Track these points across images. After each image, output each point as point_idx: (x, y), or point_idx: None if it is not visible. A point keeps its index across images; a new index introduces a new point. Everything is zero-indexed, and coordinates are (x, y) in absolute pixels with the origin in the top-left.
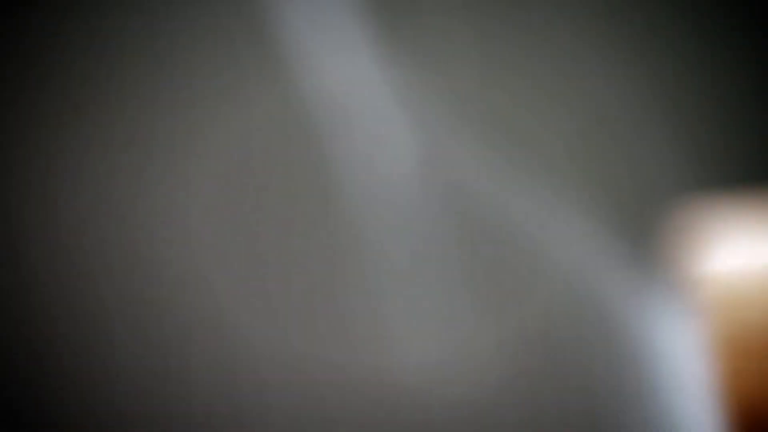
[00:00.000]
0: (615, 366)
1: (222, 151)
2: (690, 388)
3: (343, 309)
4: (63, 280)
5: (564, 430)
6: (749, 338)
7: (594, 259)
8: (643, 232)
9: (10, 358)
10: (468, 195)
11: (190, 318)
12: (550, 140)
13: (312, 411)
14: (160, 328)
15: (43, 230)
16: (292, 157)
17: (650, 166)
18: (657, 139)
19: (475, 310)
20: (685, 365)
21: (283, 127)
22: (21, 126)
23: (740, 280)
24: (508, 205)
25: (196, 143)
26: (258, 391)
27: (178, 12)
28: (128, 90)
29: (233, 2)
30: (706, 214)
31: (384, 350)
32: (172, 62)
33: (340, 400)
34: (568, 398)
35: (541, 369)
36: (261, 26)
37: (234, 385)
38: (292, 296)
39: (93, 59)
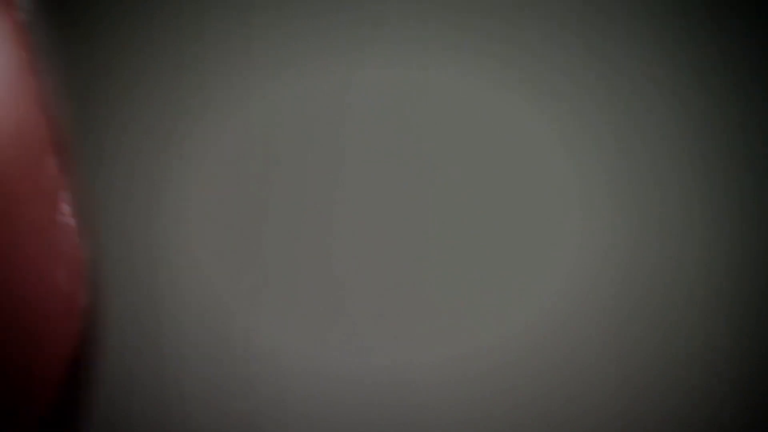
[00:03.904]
0: (618, 364)
1: (224, 152)
2: None
3: (343, 309)
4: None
5: (566, 430)
6: None
7: (595, 258)
8: None
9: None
10: (469, 194)
11: (193, 316)
12: (549, 138)
13: (316, 410)
14: (169, 331)
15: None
16: (293, 157)
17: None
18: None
19: (477, 310)
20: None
21: (284, 127)
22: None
23: None
24: (509, 204)
25: (200, 145)
26: (256, 390)
27: (182, 13)
28: (133, 92)
29: (235, 5)
30: None
31: (385, 350)
32: (175, 64)
33: (341, 400)
34: (570, 398)
35: (543, 369)
36: (262, 28)
37: (240, 382)
38: (292, 297)
39: (93, 62)
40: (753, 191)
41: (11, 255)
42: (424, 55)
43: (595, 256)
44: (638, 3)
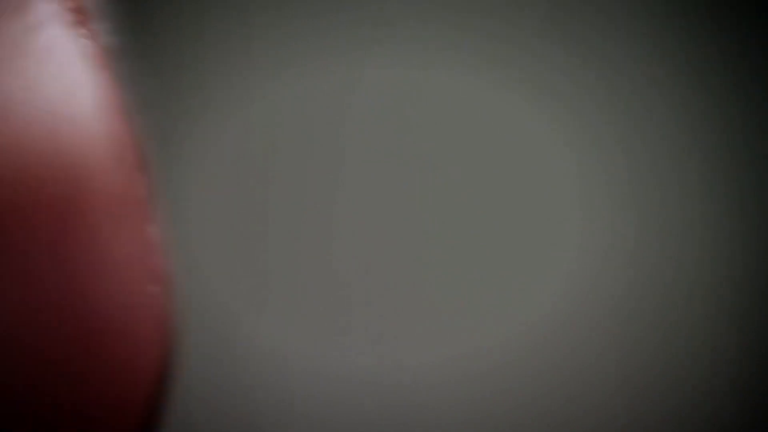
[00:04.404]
0: (618, 364)
1: (224, 152)
2: None
3: (343, 310)
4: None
5: (566, 430)
6: None
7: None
8: None
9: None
10: (469, 194)
11: (193, 317)
12: (549, 138)
13: (317, 410)
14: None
15: None
16: (294, 157)
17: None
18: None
19: (477, 310)
20: None
21: (284, 127)
22: None
23: None
24: (509, 204)
25: (200, 145)
26: (254, 389)
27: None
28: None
29: (237, 7)
30: None
31: (386, 350)
32: (175, 64)
33: (341, 399)
34: (570, 398)
35: (544, 369)
36: (264, 29)
37: (242, 383)
38: (293, 298)
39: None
40: (753, 191)
41: (106, 270)
42: (425, 55)
43: (595, 256)
44: (638, 3)
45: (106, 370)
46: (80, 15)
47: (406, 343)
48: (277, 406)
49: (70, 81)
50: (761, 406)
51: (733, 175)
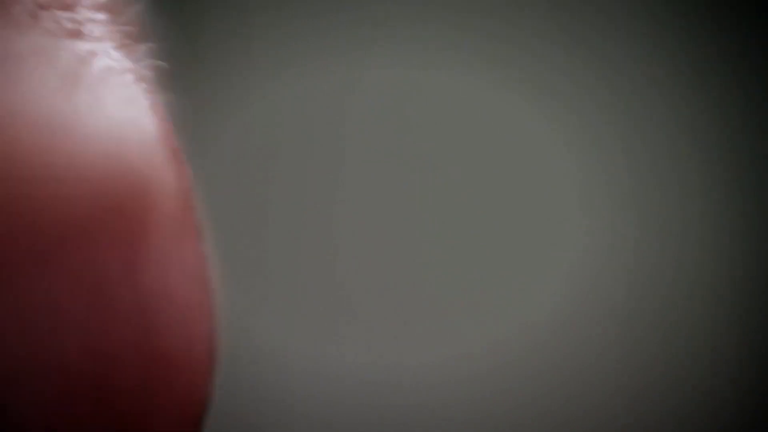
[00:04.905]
0: (619, 364)
1: (224, 152)
2: None
3: (343, 310)
4: None
5: (566, 430)
6: None
7: (595, 257)
8: None
9: None
10: (469, 194)
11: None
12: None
13: (316, 409)
14: None
15: None
16: (294, 157)
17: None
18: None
19: (477, 310)
20: None
21: (284, 127)
22: None
23: None
24: (509, 204)
25: (200, 145)
26: (253, 388)
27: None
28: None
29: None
30: None
31: (386, 350)
32: (176, 64)
33: (341, 399)
34: (570, 398)
35: (544, 369)
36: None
37: (242, 382)
38: (293, 298)
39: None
40: (753, 191)
41: (170, 287)
42: (425, 55)
43: (595, 256)
44: (638, 3)
45: (170, 382)
46: (132, 37)
47: (406, 343)
48: (277, 406)
49: (130, 104)
50: (761, 406)
51: (733, 175)
